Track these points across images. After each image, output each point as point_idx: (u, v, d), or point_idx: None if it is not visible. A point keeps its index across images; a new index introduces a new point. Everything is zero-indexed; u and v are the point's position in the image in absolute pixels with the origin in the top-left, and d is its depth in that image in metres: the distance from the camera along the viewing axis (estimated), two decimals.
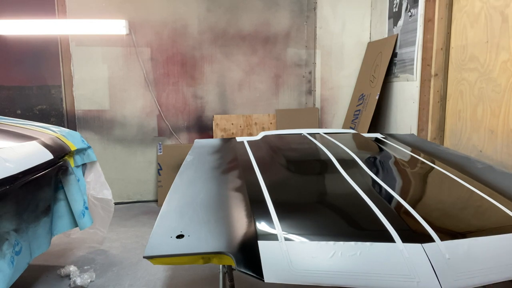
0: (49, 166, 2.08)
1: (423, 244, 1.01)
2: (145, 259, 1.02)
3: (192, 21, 3.78)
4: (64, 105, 3.70)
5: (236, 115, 3.96)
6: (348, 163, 1.70)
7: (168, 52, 3.79)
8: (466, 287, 0.94)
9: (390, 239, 1.03)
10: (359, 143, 2.28)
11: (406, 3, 3.27)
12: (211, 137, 3.88)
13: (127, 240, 3.00)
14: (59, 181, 2.30)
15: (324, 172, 1.72)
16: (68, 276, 2.39)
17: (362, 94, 3.81)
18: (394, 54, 3.45)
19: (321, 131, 2.57)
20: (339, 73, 4.06)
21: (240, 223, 1.16)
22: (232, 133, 3.95)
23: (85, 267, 2.49)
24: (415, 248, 1.00)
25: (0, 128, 2.23)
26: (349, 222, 1.21)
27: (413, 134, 2.94)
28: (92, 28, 3.55)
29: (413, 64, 3.15)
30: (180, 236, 1.08)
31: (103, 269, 2.51)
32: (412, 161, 1.89)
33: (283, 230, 1.08)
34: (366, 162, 1.73)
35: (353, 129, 3.71)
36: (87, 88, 3.71)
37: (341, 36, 4.01)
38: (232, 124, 3.95)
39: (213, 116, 3.92)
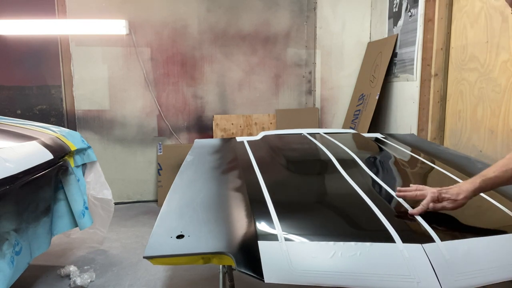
0: (49, 166, 2.08)
1: (423, 244, 1.01)
2: (145, 259, 1.02)
3: (192, 21, 3.78)
4: (64, 105, 3.70)
5: (236, 115, 3.96)
6: (348, 163, 1.70)
7: (168, 52, 3.79)
8: (466, 287, 0.94)
9: (390, 239, 1.03)
10: (359, 143, 2.28)
11: (406, 3, 3.27)
12: (211, 137, 3.88)
13: (127, 240, 3.00)
14: (59, 181, 2.30)
15: (324, 172, 1.72)
16: (68, 276, 2.39)
17: (362, 94, 3.81)
18: (394, 54, 3.45)
19: (321, 131, 2.57)
20: (339, 73, 4.06)
21: (240, 223, 1.16)
22: (232, 133, 3.95)
23: (85, 267, 2.49)
24: (415, 248, 1.00)
25: (0, 128, 2.23)
26: (349, 222, 1.21)
27: (413, 134, 2.94)
28: (92, 28, 3.56)
29: (413, 64, 3.15)
30: (180, 236, 1.08)
31: (103, 269, 2.51)
32: (412, 161, 1.89)
33: (283, 230, 1.08)
34: (366, 162, 1.73)
35: (353, 129, 3.71)
36: (87, 88, 3.71)
37: (341, 36, 4.01)
38: (232, 124, 3.95)
39: (213, 116, 3.92)
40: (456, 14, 2.76)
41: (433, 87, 2.90)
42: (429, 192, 1.17)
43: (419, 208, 1.17)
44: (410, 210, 1.19)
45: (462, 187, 1.17)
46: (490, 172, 1.19)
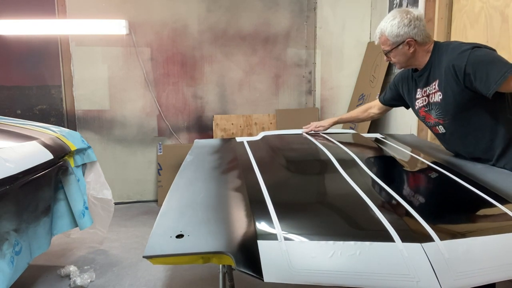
0: (49, 166, 2.09)
1: (422, 244, 1.01)
2: (145, 259, 1.02)
3: (192, 21, 3.78)
4: (64, 105, 3.70)
5: (236, 115, 3.96)
6: (348, 163, 1.70)
7: (168, 52, 3.79)
8: (465, 286, 0.94)
9: (390, 239, 1.03)
10: (359, 143, 2.28)
11: (406, 3, 3.27)
12: (211, 137, 3.89)
13: (127, 240, 3.00)
14: (59, 181, 2.30)
15: (324, 172, 1.72)
16: (68, 276, 2.39)
17: (362, 94, 3.81)
18: None
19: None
20: (339, 73, 4.06)
21: (240, 223, 1.16)
22: (232, 133, 3.95)
23: (85, 267, 2.49)
24: (414, 247, 1.00)
25: (0, 128, 2.23)
26: (348, 222, 1.21)
27: (413, 134, 2.94)
28: (92, 28, 3.56)
29: None
30: (180, 236, 1.08)
31: (103, 269, 2.51)
32: (412, 161, 1.89)
33: (282, 230, 1.08)
34: (366, 162, 1.73)
35: (353, 129, 3.72)
36: (87, 88, 3.71)
37: (341, 36, 4.01)
38: (232, 124, 3.95)
39: (213, 116, 3.93)
40: (456, 14, 2.76)
41: None
42: (314, 123, 2.39)
43: (307, 130, 2.39)
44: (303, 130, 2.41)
45: (329, 120, 2.39)
46: (343, 116, 2.49)
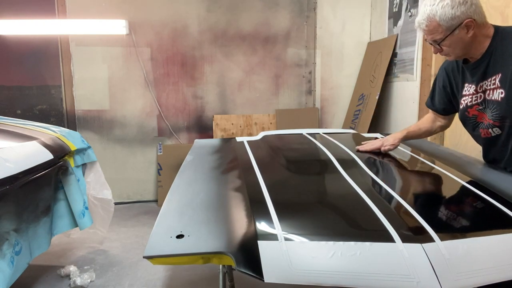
0: (49, 166, 2.09)
1: (423, 244, 1.01)
2: (145, 259, 1.02)
3: (192, 21, 3.78)
4: (64, 105, 3.70)
5: (236, 115, 3.96)
6: (348, 163, 1.70)
7: (168, 52, 3.79)
8: (466, 287, 0.94)
9: (390, 239, 1.03)
10: (359, 143, 2.28)
11: (406, 3, 3.27)
12: (211, 137, 3.89)
13: (127, 240, 3.00)
14: (59, 181, 2.31)
15: (324, 172, 1.72)
16: (68, 276, 2.39)
17: (362, 94, 3.81)
18: (394, 54, 3.45)
19: (321, 131, 2.56)
20: (339, 73, 4.06)
21: (240, 223, 1.16)
22: (232, 133, 3.95)
23: (85, 267, 2.49)
24: (415, 248, 1.00)
25: (0, 128, 2.23)
26: (349, 222, 1.21)
27: None
28: (92, 28, 3.56)
29: (413, 64, 3.15)
30: (180, 236, 1.08)
31: (103, 269, 2.51)
32: (412, 161, 1.89)
33: (283, 230, 1.08)
34: (366, 162, 1.73)
35: (353, 129, 3.71)
36: (87, 88, 3.71)
37: (341, 36, 4.01)
38: (232, 124, 3.95)
39: (213, 116, 3.93)
40: None
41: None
42: (377, 141, 1.91)
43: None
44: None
45: (395, 135, 1.88)
46: (411, 128, 1.93)
